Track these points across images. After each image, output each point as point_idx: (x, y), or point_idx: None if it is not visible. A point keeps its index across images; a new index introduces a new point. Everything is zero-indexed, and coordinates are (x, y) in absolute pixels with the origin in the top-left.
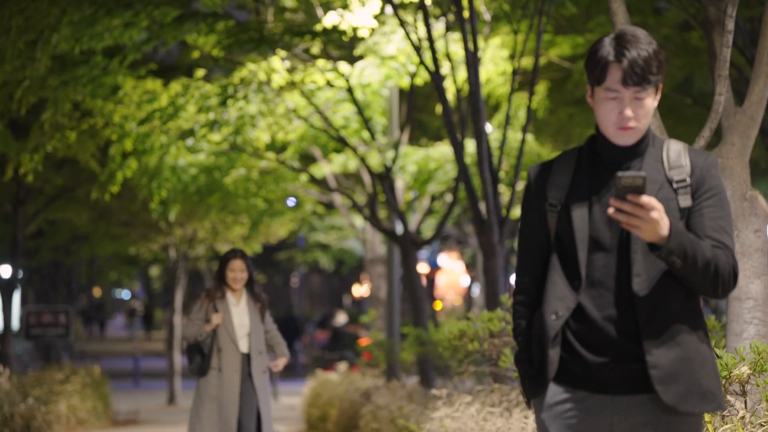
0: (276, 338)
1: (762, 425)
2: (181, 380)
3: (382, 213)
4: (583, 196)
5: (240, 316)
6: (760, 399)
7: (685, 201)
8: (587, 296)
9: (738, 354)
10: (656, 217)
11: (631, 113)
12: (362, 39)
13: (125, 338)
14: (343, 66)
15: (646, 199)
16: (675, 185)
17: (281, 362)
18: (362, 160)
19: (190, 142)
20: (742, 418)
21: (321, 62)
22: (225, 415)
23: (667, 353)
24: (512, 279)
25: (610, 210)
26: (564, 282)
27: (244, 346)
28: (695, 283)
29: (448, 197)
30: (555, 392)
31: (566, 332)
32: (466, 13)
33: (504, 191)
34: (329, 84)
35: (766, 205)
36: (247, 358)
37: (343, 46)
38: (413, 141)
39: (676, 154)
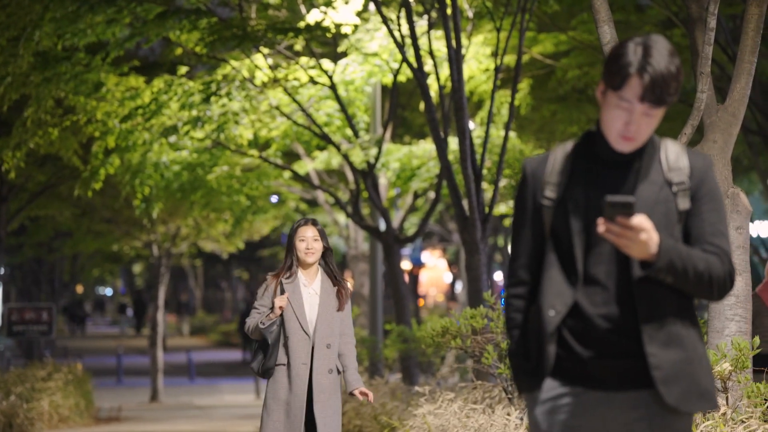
0: (349, 355)
1: (743, 421)
2: (164, 377)
3: (365, 210)
4: (579, 192)
5: (312, 299)
6: (741, 396)
7: (684, 203)
8: (583, 292)
9: (719, 351)
10: (645, 239)
11: (638, 127)
12: (345, 36)
13: (115, 335)
14: (327, 63)
15: (635, 221)
16: (674, 188)
17: (366, 392)
18: (345, 157)
19: (173, 139)
20: (724, 414)
21: (304, 59)
22: (292, 421)
23: (669, 354)
24: (495, 276)
25: (600, 228)
26: (561, 277)
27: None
28: (690, 291)
29: (431, 194)
30: (550, 387)
31: (561, 328)
32: (449, 11)
33: (487, 188)
34: (312, 81)
35: (747, 202)
36: (313, 352)
37: (327, 43)
38: (396, 138)
39: (674, 155)
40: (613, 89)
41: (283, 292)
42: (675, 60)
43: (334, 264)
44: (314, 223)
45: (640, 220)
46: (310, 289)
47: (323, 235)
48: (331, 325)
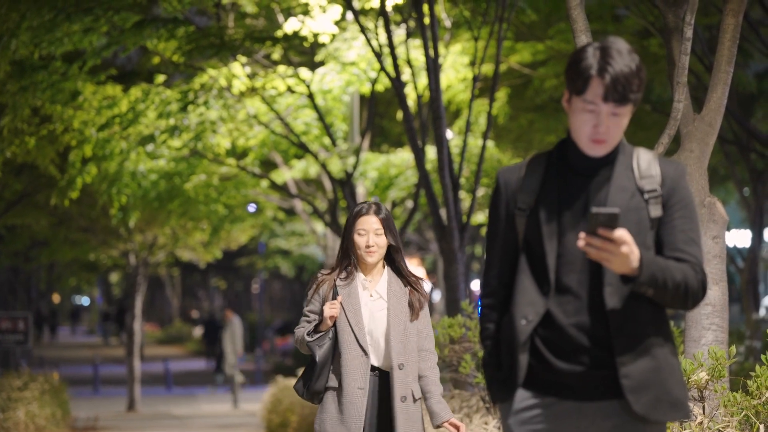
0: (432, 377)
1: (720, 431)
2: (141, 387)
3: (342, 219)
4: (552, 202)
5: (373, 307)
6: (718, 405)
7: (655, 211)
8: (555, 302)
9: (696, 360)
10: (626, 252)
11: (606, 128)
12: (323, 45)
13: (93, 344)
14: (304, 72)
15: (618, 234)
16: (646, 195)
17: (458, 425)
18: (323, 166)
19: (150, 147)
20: (701, 423)
21: (282, 68)
22: None
23: (638, 363)
24: (473, 285)
25: (581, 243)
26: (533, 287)
27: (376, 355)
28: (666, 303)
29: (409, 203)
30: (523, 397)
31: (534, 338)
32: (426, 20)
33: (465, 197)
34: (290, 90)
35: (724, 211)
36: (380, 376)
37: (304, 52)
38: (374, 147)
39: (646, 163)
40: (577, 94)
41: (336, 296)
42: (634, 57)
43: (403, 262)
44: (377, 211)
45: (621, 233)
46: (372, 291)
47: (388, 227)
48: (405, 339)
